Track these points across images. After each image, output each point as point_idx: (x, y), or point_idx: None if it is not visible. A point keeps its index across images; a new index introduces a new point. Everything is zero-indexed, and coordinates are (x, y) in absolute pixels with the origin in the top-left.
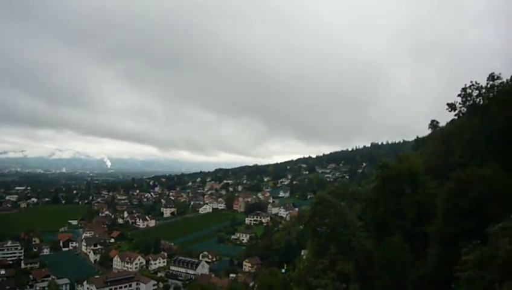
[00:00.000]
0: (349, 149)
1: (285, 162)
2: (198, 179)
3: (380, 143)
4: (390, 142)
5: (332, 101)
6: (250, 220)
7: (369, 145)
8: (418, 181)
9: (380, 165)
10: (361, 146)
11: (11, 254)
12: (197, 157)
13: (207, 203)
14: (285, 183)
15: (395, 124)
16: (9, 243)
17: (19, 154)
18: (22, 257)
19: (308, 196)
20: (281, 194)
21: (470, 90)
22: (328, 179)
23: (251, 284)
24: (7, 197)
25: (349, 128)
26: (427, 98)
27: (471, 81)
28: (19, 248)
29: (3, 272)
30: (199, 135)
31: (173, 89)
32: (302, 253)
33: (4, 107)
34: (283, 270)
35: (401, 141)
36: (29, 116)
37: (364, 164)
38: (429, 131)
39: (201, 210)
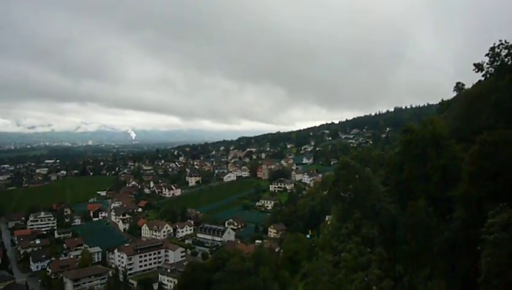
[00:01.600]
0: (372, 114)
1: (308, 129)
2: (222, 148)
3: (403, 107)
4: (414, 106)
5: (355, 65)
6: (274, 187)
7: (392, 109)
8: (443, 145)
9: (404, 129)
10: (384, 111)
11: (44, 224)
12: (219, 126)
13: (231, 172)
14: (309, 149)
15: (419, 87)
16: (42, 214)
17: (47, 128)
18: (55, 227)
19: (332, 162)
20: (304, 160)
21: (499, 50)
22: (351, 145)
23: (276, 250)
24: (38, 171)
25: (372, 92)
26: (452, 60)
27: (500, 40)
28: (52, 218)
29: (38, 241)
30: (221, 103)
31: (193, 57)
32: (327, 218)
33: (29, 82)
34: (308, 236)
35: (426, 105)
36: (54, 91)
37: (387, 129)
38: (454, 94)
39: (226, 178)
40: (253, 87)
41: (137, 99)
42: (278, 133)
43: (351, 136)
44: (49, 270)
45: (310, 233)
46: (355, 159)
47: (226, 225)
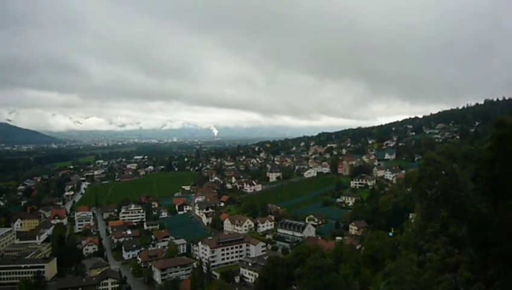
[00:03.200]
0: (459, 107)
1: (390, 124)
2: (302, 144)
3: (495, 100)
4: (507, 98)
5: (439, 57)
6: (355, 184)
7: (482, 102)
8: None
9: (497, 123)
10: (473, 104)
11: (134, 216)
12: (299, 122)
13: (311, 167)
14: (391, 145)
15: None
16: (132, 206)
17: (135, 126)
18: (144, 219)
19: (416, 158)
20: (387, 156)
21: None
22: (436, 140)
23: (358, 247)
24: (128, 166)
25: (458, 85)
26: None
27: None
28: (141, 211)
29: (129, 232)
30: (300, 99)
31: (272, 54)
32: (410, 216)
33: (119, 83)
34: (390, 234)
35: None
36: (141, 91)
37: (476, 123)
38: None
39: (306, 174)
40: (333, 82)
41: (218, 96)
42: (359, 128)
43: (436, 131)
44: (139, 259)
45: (393, 231)
46: (442, 154)
47: (307, 220)
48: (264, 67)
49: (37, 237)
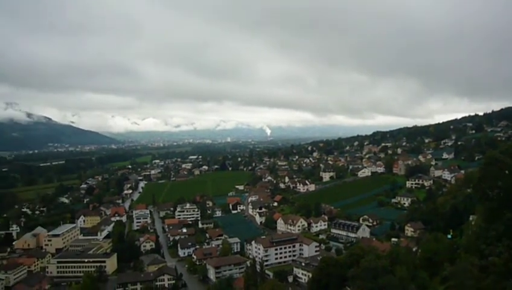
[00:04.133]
0: None
1: (447, 122)
2: (356, 143)
3: None
4: None
5: (501, 51)
6: (411, 184)
7: None
8: None
9: None
10: None
11: (190, 215)
12: (353, 121)
13: (365, 167)
14: (449, 144)
15: None
16: (188, 205)
17: (190, 127)
18: (198, 218)
19: (476, 158)
20: (444, 155)
21: None
22: (499, 138)
23: (414, 249)
24: (183, 166)
25: None
26: None
27: None
28: (196, 209)
29: (185, 230)
30: (353, 98)
31: (323, 52)
32: (471, 218)
33: (173, 85)
34: (449, 236)
35: None
36: (194, 92)
37: None
38: None
39: (360, 174)
40: (387, 80)
41: (270, 96)
42: (415, 127)
43: (499, 129)
44: (194, 256)
45: (451, 233)
46: (506, 154)
47: (361, 221)
48: (315, 66)
49: (98, 233)
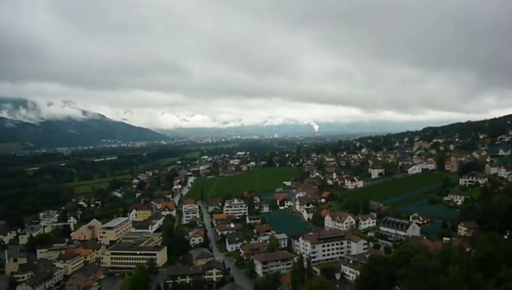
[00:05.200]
0: None
1: (504, 117)
2: (406, 139)
3: None
4: None
5: None
6: (465, 181)
7: None
8: None
9: None
10: None
11: (237, 210)
12: (402, 117)
13: (416, 164)
14: (506, 140)
15: None
16: (235, 201)
17: (237, 123)
18: (246, 214)
19: None
20: (501, 152)
21: None
22: None
23: (467, 249)
24: (231, 162)
25: None
26: None
27: None
28: (244, 205)
29: (232, 225)
30: (403, 93)
31: (369, 46)
32: None
33: (220, 82)
34: (505, 237)
35: None
36: (242, 88)
37: None
38: None
39: (410, 171)
40: (438, 73)
41: (318, 92)
42: (468, 122)
43: None
44: (242, 251)
45: (508, 234)
46: None
47: (411, 219)
48: (363, 61)
49: (149, 227)
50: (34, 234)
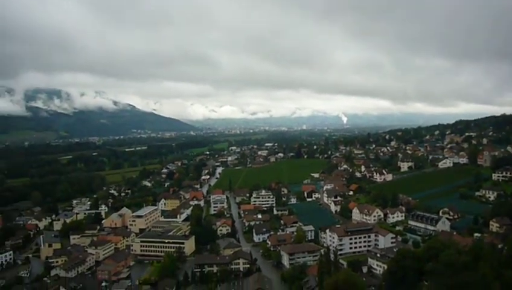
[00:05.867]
0: None
1: None
2: (437, 132)
3: None
4: None
5: None
6: (498, 176)
7: None
8: None
9: None
10: None
11: (265, 201)
12: (433, 109)
13: (447, 158)
14: None
15: None
16: (263, 192)
17: (266, 114)
18: (273, 205)
19: None
20: None
21: None
22: None
23: (499, 246)
24: (259, 153)
25: None
26: None
27: None
28: (271, 196)
29: (260, 216)
30: (434, 84)
31: (400, 37)
32: None
33: (248, 73)
34: None
35: None
36: (270, 79)
37: None
38: None
39: (441, 164)
40: (472, 65)
41: (346, 84)
42: (503, 115)
43: None
44: (269, 242)
45: None
46: None
47: (441, 213)
48: (393, 52)
49: (178, 216)
50: (68, 221)
